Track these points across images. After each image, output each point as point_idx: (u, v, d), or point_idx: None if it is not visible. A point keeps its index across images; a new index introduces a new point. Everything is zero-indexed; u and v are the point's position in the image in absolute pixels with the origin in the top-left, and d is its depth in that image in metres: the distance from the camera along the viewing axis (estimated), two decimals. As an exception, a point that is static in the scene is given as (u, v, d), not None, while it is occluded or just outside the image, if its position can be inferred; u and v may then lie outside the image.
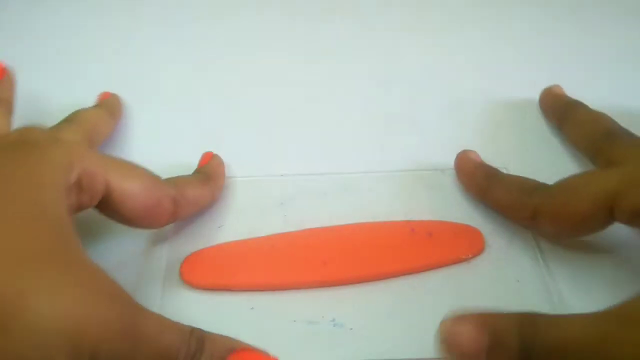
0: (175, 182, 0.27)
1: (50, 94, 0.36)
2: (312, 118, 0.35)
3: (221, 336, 0.23)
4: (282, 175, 0.31)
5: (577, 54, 0.39)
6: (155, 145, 0.33)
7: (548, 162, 0.32)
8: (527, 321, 0.22)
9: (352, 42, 0.34)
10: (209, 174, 0.29)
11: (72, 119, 0.29)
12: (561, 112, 0.33)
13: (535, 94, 0.35)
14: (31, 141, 0.22)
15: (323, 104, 0.36)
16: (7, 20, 0.43)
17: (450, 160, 0.31)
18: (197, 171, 0.30)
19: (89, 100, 0.33)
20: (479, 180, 0.29)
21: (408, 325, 0.25)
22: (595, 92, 0.32)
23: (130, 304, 0.20)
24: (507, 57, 0.34)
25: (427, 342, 0.24)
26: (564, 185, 0.26)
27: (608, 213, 0.24)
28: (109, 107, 0.33)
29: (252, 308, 0.25)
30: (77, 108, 0.30)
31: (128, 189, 0.24)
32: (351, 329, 0.25)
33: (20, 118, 0.33)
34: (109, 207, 0.24)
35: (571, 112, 0.32)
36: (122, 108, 0.34)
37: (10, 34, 0.42)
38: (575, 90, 0.34)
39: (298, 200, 0.30)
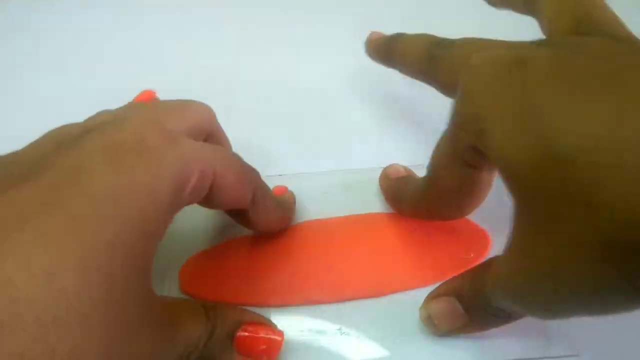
0: (262, 180, 0.26)
1: (46, 94, 0.36)
2: (311, 116, 0.35)
3: (229, 309, 0.23)
4: (280, 175, 0.31)
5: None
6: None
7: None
8: (479, 271, 0.23)
9: (352, 39, 0.34)
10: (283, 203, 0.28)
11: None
12: (384, 51, 0.30)
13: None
14: (149, 147, 0.19)
15: (322, 102, 0.36)
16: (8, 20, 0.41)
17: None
18: None
19: (86, 99, 0.32)
20: (393, 198, 0.29)
21: (415, 333, 0.25)
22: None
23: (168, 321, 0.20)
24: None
25: (433, 350, 0.24)
26: (428, 170, 0.25)
27: (468, 166, 0.22)
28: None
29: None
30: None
31: (225, 183, 0.22)
32: (358, 337, 0.25)
33: (20, 118, 0.33)
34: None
35: (393, 47, 0.29)
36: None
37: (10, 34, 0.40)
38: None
39: (298, 200, 0.30)
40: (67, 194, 0.17)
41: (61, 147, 0.19)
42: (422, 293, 0.26)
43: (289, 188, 0.30)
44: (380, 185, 0.30)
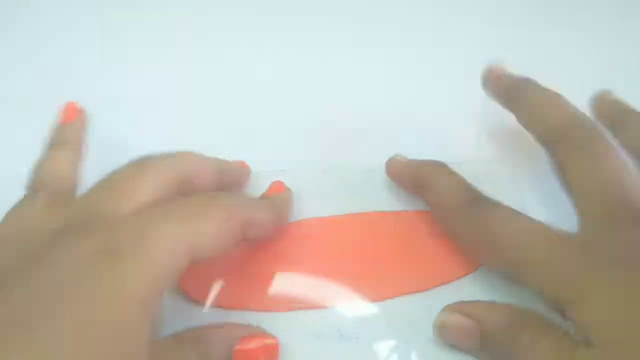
0: (247, 205, 0.24)
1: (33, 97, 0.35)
2: (313, 114, 0.34)
3: (218, 331, 0.23)
4: (280, 170, 0.30)
5: (581, 53, 0.38)
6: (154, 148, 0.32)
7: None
8: (517, 326, 0.22)
9: (353, 37, 0.33)
10: (277, 204, 0.27)
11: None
12: (508, 92, 0.29)
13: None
14: (114, 251, 0.19)
15: (323, 101, 0.35)
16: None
17: (450, 155, 0.31)
18: (263, 197, 0.28)
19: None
20: (414, 180, 0.28)
21: (414, 336, 0.25)
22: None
23: None
24: (512, 53, 0.33)
25: (433, 351, 0.24)
26: (515, 232, 0.24)
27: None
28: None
29: (258, 321, 0.25)
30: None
31: (207, 248, 0.21)
32: (357, 338, 0.25)
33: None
34: None
35: (521, 92, 0.29)
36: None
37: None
38: (580, 90, 0.33)
39: (297, 197, 0.29)
40: (36, 326, 0.16)
41: (29, 260, 0.19)
42: (422, 295, 0.26)
43: (289, 184, 0.29)
44: (394, 167, 0.29)
